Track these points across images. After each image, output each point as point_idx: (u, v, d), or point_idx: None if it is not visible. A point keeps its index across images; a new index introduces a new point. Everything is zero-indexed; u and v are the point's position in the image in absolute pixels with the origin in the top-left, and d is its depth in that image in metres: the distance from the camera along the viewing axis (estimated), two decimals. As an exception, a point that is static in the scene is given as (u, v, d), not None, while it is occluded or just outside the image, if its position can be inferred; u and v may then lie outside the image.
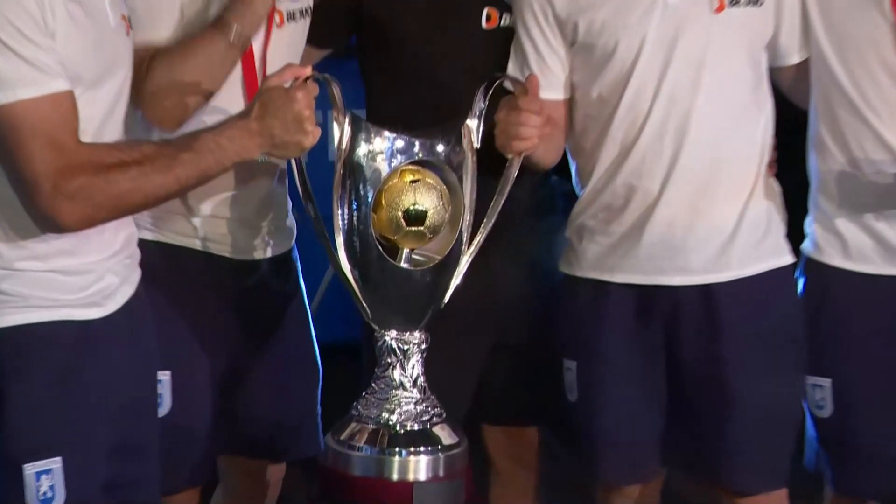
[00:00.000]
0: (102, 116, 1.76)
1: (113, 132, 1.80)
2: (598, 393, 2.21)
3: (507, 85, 1.99)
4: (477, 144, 1.95)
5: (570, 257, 2.24)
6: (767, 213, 2.18)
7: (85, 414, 1.72)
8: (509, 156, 1.96)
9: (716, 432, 2.17)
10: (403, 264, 1.92)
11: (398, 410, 1.91)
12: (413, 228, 1.89)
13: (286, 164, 2.11)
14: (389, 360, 1.92)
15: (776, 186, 2.22)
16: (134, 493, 1.85)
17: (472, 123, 1.95)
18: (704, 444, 2.19)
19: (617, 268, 2.16)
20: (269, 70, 2.07)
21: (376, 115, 2.22)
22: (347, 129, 1.85)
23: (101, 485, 1.76)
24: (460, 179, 1.94)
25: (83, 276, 1.72)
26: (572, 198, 2.27)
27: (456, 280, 1.98)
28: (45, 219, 1.62)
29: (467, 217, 1.94)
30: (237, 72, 2.10)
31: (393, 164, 1.88)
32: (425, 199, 1.88)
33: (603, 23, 2.07)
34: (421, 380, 1.93)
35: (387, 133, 1.89)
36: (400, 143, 1.89)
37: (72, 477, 1.69)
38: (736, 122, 2.12)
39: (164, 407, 2.10)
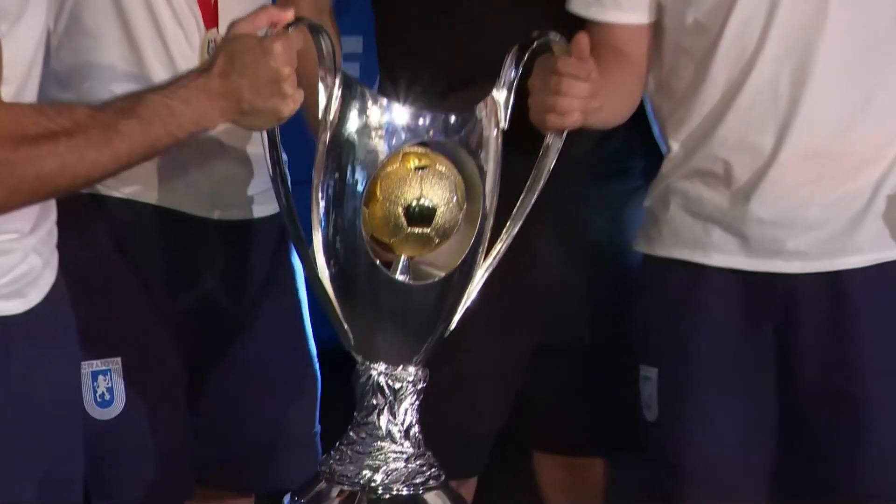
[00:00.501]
0: (28, 61, 1.58)
1: (34, 85, 1.63)
2: (686, 409, 1.94)
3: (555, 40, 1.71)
4: (504, 124, 1.67)
5: (650, 233, 1.98)
6: None
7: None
8: (547, 135, 1.68)
9: (845, 462, 1.89)
10: (401, 277, 1.63)
11: (384, 468, 1.63)
12: (416, 230, 1.60)
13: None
14: (375, 402, 1.63)
15: None
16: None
17: (500, 96, 1.66)
18: (830, 475, 1.91)
19: (716, 248, 1.89)
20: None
21: (388, 71, 2.13)
22: (337, 93, 1.56)
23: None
24: (480, 169, 1.63)
25: (1, 257, 1.60)
26: (654, 155, 1.99)
27: (467, 302, 1.71)
28: None
29: (488, 218, 1.67)
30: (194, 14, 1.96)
31: (394, 144, 1.59)
32: (434, 192, 1.59)
33: None
34: (415, 430, 1.65)
35: (389, 102, 1.61)
36: (405, 117, 1.59)
37: None
38: (874, 63, 1.87)
39: (116, 405, 1.96)
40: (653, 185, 1.98)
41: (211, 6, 1.98)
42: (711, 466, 1.90)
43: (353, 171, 1.58)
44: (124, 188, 1.95)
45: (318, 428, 2.09)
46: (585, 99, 1.67)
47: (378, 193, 1.58)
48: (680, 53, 1.91)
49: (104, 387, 1.97)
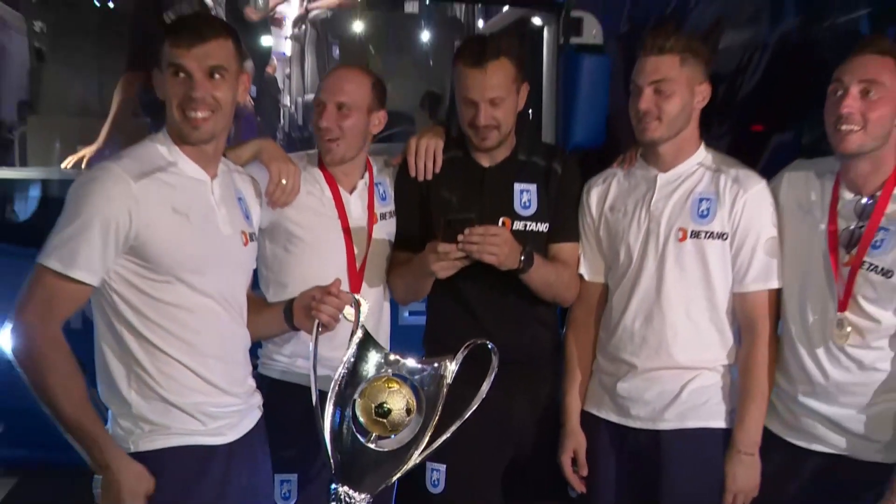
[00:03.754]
0: (217, 312, 2.37)
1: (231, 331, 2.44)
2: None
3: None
4: (449, 381, 2.30)
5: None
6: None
7: None
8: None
9: None
10: (369, 444, 2.28)
11: None
12: (379, 419, 2.27)
13: None
14: None
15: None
16: None
17: (452, 367, 2.31)
18: None
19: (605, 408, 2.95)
20: (373, 251, 2.84)
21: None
22: (356, 339, 2.32)
23: None
24: (426, 398, 2.29)
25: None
26: None
27: (403, 470, 2.28)
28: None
29: (427, 424, 2.27)
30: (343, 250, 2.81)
31: (380, 372, 2.31)
32: (393, 401, 2.26)
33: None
34: None
35: (381, 350, 2.32)
36: (390, 359, 2.32)
37: None
38: (690, 314, 2.72)
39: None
40: None
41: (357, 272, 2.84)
42: None
43: (355, 380, 2.29)
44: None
45: None
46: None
47: (365, 394, 2.28)
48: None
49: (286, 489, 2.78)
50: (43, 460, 4.01)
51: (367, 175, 2.92)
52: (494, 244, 2.61)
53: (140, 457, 2.25)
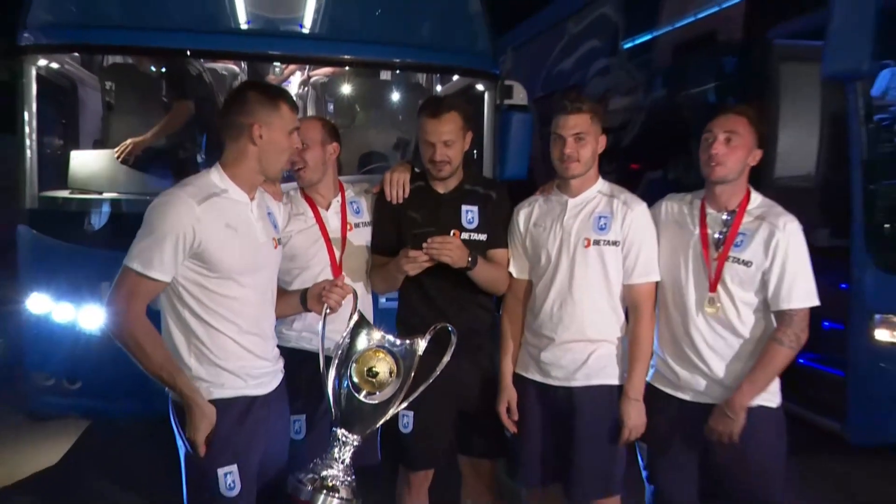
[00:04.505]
0: (256, 300, 2.32)
1: (265, 313, 2.38)
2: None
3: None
4: (420, 354, 2.33)
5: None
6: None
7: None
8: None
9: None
10: (361, 397, 2.29)
11: (331, 473, 2.25)
12: (369, 380, 2.30)
13: None
14: (335, 444, 2.27)
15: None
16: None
17: (422, 344, 2.35)
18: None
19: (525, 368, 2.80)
20: (348, 251, 2.78)
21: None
22: (354, 319, 2.33)
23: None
24: (403, 365, 2.32)
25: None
26: None
27: (385, 418, 2.31)
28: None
29: (402, 386, 2.31)
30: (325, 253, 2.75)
31: (370, 345, 2.32)
32: (380, 367, 2.30)
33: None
34: (348, 461, 2.26)
35: (373, 329, 2.33)
36: (378, 337, 2.34)
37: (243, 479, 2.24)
38: (591, 301, 2.69)
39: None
40: None
41: (337, 267, 2.79)
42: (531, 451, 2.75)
43: (352, 350, 2.30)
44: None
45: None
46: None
47: (359, 361, 2.30)
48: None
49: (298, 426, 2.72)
50: (109, 409, 3.96)
51: (339, 195, 2.87)
52: (449, 249, 2.65)
53: None
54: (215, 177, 2.29)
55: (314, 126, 2.82)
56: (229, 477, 2.21)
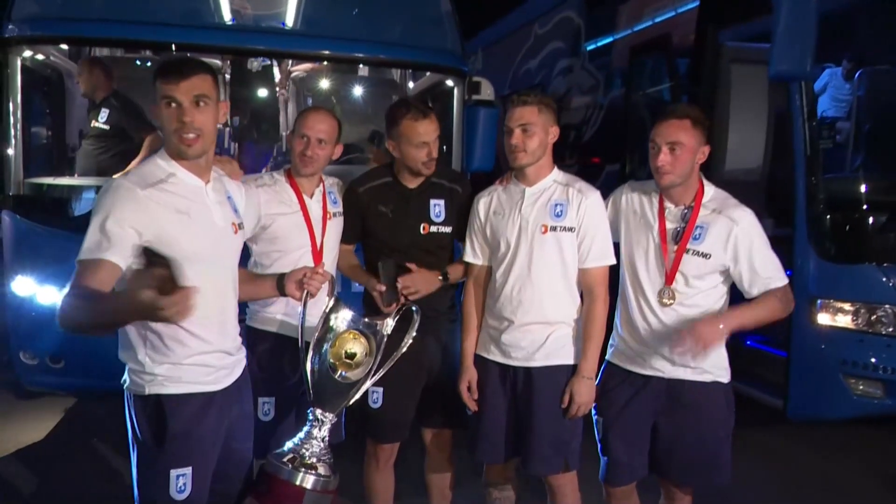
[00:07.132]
0: (215, 287, 2.09)
1: (226, 301, 2.17)
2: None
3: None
4: (388, 333, 2.34)
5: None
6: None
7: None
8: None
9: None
10: (337, 377, 2.28)
11: (309, 452, 2.23)
12: (346, 361, 2.28)
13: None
14: (313, 423, 2.25)
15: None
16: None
17: (390, 323, 2.34)
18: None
19: (489, 351, 2.76)
20: (327, 237, 2.74)
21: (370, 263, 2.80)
22: (331, 303, 2.30)
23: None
24: (376, 345, 2.32)
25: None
26: None
27: (357, 395, 2.29)
28: None
29: (374, 364, 2.30)
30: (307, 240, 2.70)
31: (346, 327, 2.30)
32: (356, 347, 2.28)
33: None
34: (326, 439, 2.24)
35: (347, 311, 2.31)
36: (353, 319, 2.31)
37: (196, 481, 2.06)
38: (547, 286, 2.66)
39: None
40: None
41: (318, 252, 2.74)
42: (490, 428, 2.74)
43: (329, 333, 2.27)
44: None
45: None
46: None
47: (336, 343, 2.27)
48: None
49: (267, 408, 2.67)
50: (91, 386, 3.93)
51: (321, 184, 2.82)
52: (419, 286, 2.68)
53: (152, 399, 2.05)
54: (161, 161, 2.08)
55: (333, 125, 2.76)
56: (181, 479, 2.02)
